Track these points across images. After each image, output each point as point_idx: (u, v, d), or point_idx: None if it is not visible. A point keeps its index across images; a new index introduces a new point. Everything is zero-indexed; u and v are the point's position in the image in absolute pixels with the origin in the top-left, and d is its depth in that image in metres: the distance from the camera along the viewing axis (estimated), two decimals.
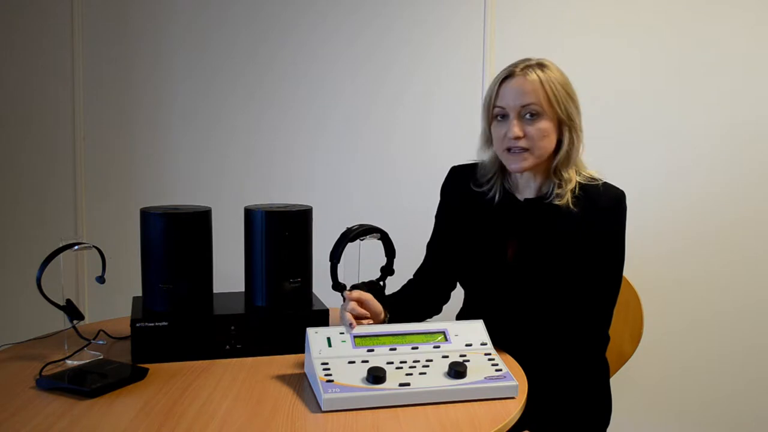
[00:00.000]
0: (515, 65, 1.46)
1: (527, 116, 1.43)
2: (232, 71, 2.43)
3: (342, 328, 1.36)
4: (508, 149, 1.45)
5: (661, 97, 2.36)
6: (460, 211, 1.59)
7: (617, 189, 1.49)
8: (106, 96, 2.44)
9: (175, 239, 1.45)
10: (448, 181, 1.65)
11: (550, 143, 1.45)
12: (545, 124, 1.43)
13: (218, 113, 2.44)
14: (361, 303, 1.44)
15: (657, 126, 2.36)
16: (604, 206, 1.46)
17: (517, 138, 1.42)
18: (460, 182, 1.60)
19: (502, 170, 1.54)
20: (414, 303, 1.60)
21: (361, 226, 1.57)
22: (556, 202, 1.46)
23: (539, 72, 1.43)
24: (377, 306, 1.47)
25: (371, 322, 1.43)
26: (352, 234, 1.53)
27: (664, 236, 2.37)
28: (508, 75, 1.45)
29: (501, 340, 1.48)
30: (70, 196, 2.46)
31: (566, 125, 1.45)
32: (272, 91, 2.43)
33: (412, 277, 1.68)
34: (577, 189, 1.47)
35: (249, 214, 1.54)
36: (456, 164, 1.65)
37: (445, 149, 2.40)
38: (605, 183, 1.50)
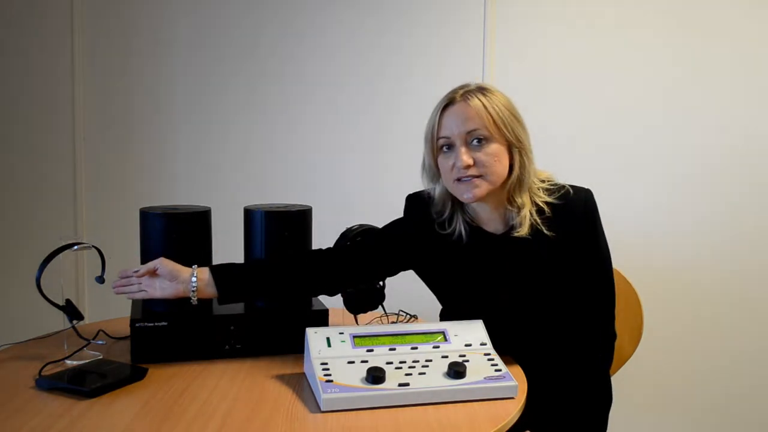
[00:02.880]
0: (455, 92, 1.39)
1: (474, 142, 1.35)
2: (231, 71, 2.43)
3: (341, 328, 1.35)
4: (459, 179, 1.36)
5: (664, 97, 2.35)
6: (429, 251, 1.47)
7: (582, 189, 1.44)
8: (106, 96, 2.44)
9: (175, 239, 1.45)
10: (411, 212, 1.52)
11: (503, 168, 1.37)
12: (495, 148, 1.35)
13: (218, 113, 2.45)
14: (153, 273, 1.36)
15: (658, 128, 2.36)
16: (579, 212, 1.42)
17: (468, 167, 1.34)
18: (423, 216, 1.48)
19: (459, 203, 1.45)
20: (282, 272, 1.44)
21: (361, 226, 1.57)
22: (516, 235, 1.38)
23: (480, 96, 1.36)
24: (174, 269, 1.37)
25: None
26: (352, 234, 1.53)
27: (665, 237, 2.37)
28: (448, 102, 1.39)
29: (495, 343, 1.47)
30: (70, 196, 2.46)
31: (516, 147, 1.37)
32: (272, 91, 2.43)
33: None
34: (547, 210, 1.41)
35: (249, 214, 1.54)
36: (411, 192, 1.54)
37: None
38: (570, 186, 1.44)
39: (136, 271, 1.38)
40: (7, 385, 1.27)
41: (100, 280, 1.46)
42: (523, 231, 1.39)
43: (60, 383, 1.25)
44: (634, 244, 2.35)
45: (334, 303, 1.59)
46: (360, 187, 2.45)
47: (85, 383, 1.25)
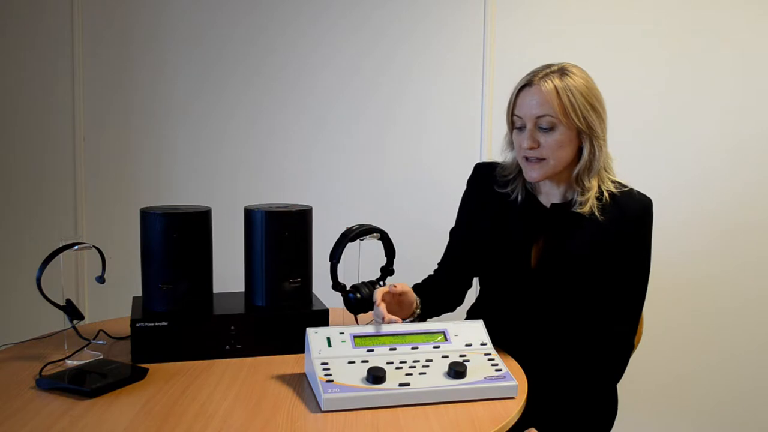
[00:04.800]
0: (535, 73, 1.43)
1: (543, 127, 1.41)
2: (231, 71, 2.43)
3: (342, 328, 1.35)
4: (526, 158, 1.45)
5: (662, 96, 2.35)
6: (485, 210, 1.57)
7: (645, 196, 1.48)
8: (106, 96, 2.44)
9: (175, 239, 1.45)
10: (474, 177, 1.63)
11: (567, 154, 1.43)
12: (561, 135, 1.40)
13: (218, 113, 2.45)
14: (400, 294, 1.46)
15: (660, 129, 2.36)
16: (633, 214, 1.45)
17: (531, 149, 1.42)
18: (485, 181, 1.59)
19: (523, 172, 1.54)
20: (438, 296, 1.61)
21: (361, 226, 1.57)
22: (578, 210, 1.45)
23: (557, 80, 1.40)
24: (412, 296, 1.49)
25: (398, 320, 1.42)
26: (352, 234, 1.53)
27: (665, 237, 2.37)
28: (526, 83, 1.43)
29: (514, 342, 1.48)
30: (70, 196, 2.46)
31: (586, 134, 1.42)
32: (272, 91, 2.43)
33: (432, 272, 1.68)
34: (605, 197, 1.45)
35: (249, 214, 1.54)
36: (480, 162, 1.64)
37: (444, 149, 2.40)
38: (634, 190, 1.49)
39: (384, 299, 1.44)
40: (7, 385, 1.27)
41: (101, 280, 1.46)
42: (585, 209, 1.44)
43: (60, 383, 1.25)
44: None
45: (334, 303, 1.59)
46: (360, 187, 2.45)
47: (86, 383, 1.25)
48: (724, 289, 2.39)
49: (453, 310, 1.66)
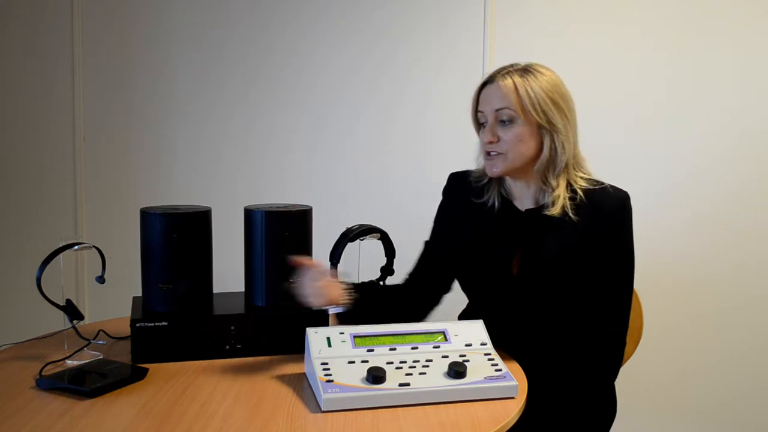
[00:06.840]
0: (497, 70, 1.45)
1: (502, 121, 1.42)
2: (232, 71, 2.43)
3: (342, 328, 1.35)
4: (488, 153, 1.45)
5: (661, 96, 2.35)
6: (462, 219, 1.56)
7: (621, 191, 1.47)
8: (106, 96, 2.44)
9: (175, 239, 1.45)
10: (449, 187, 1.63)
11: (527, 149, 1.42)
12: (519, 129, 1.40)
13: (218, 113, 2.45)
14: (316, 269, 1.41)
15: (658, 128, 2.36)
16: (609, 210, 1.44)
17: (490, 143, 1.42)
18: (460, 190, 1.58)
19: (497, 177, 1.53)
20: (399, 301, 1.56)
21: (361, 226, 1.57)
22: (547, 213, 1.43)
23: (517, 77, 1.41)
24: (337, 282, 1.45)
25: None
26: (352, 234, 1.54)
27: (665, 238, 2.37)
28: (488, 80, 1.45)
29: (506, 346, 1.48)
30: (70, 196, 2.46)
31: (546, 130, 1.41)
32: (272, 91, 2.44)
33: (402, 281, 1.64)
34: (580, 196, 1.44)
35: (249, 214, 1.54)
36: (454, 171, 1.63)
37: (444, 149, 2.40)
38: (610, 186, 1.48)
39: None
40: (7, 385, 1.27)
41: (100, 280, 1.46)
42: (555, 211, 1.42)
43: (60, 383, 1.25)
44: (636, 245, 2.35)
45: None
46: (360, 187, 2.45)
47: (86, 383, 1.25)
48: (723, 289, 2.39)
49: (422, 319, 1.60)
